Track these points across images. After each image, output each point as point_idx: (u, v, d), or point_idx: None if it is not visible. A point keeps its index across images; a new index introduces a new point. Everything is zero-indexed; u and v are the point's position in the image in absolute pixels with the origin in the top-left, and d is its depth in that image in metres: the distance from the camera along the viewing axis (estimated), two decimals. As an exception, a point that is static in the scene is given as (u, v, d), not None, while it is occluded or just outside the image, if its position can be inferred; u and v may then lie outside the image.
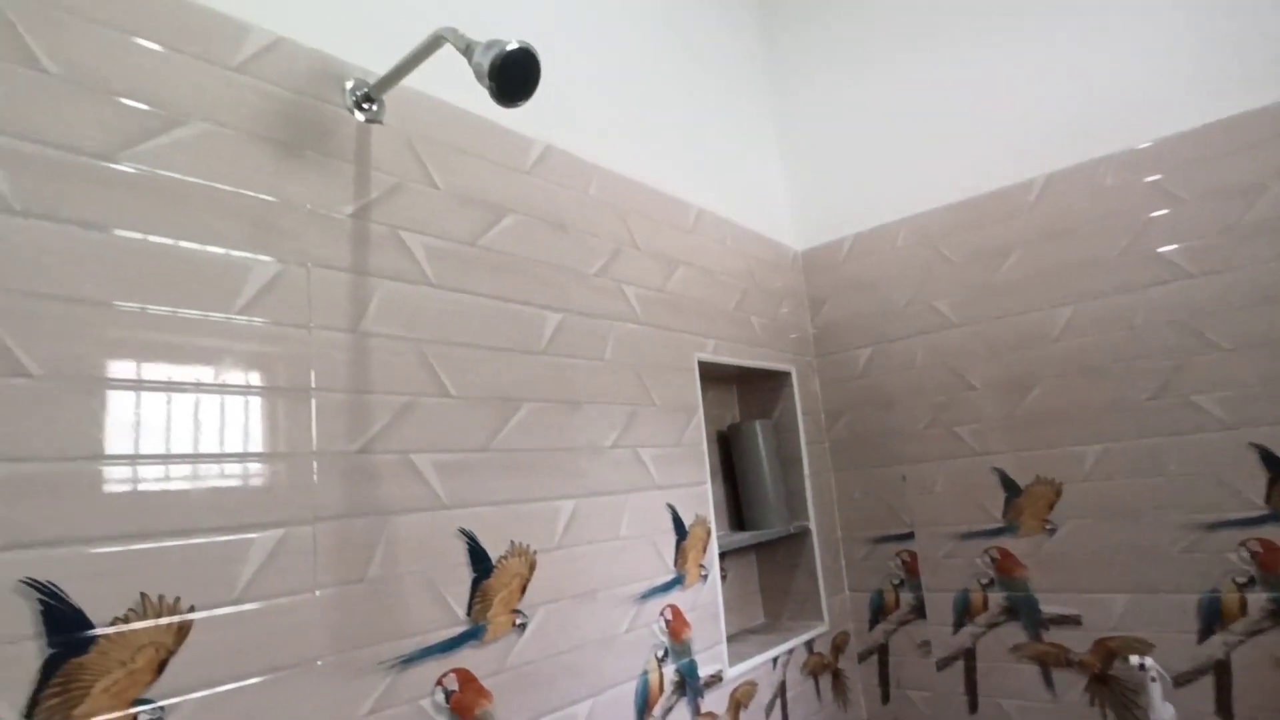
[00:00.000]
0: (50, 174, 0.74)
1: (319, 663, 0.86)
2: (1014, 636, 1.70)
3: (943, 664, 1.80)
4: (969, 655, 1.76)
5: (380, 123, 1.06)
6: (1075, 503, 1.64)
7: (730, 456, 1.88)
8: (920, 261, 1.90)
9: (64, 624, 0.69)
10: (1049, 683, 1.65)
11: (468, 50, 0.87)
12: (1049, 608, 1.66)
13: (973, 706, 1.75)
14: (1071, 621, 1.63)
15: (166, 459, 0.78)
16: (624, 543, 1.30)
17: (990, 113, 1.83)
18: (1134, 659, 1.50)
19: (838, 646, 1.87)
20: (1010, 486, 1.72)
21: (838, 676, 1.86)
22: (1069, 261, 1.68)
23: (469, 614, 1.02)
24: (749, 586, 1.91)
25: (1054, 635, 1.65)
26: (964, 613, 1.77)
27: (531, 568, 1.13)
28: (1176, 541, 1.52)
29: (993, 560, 1.73)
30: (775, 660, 1.64)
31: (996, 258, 1.78)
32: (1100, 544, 1.60)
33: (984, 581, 1.74)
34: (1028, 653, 1.68)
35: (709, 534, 1.52)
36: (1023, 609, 1.69)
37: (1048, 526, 1.67)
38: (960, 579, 1.78)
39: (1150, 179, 1.59)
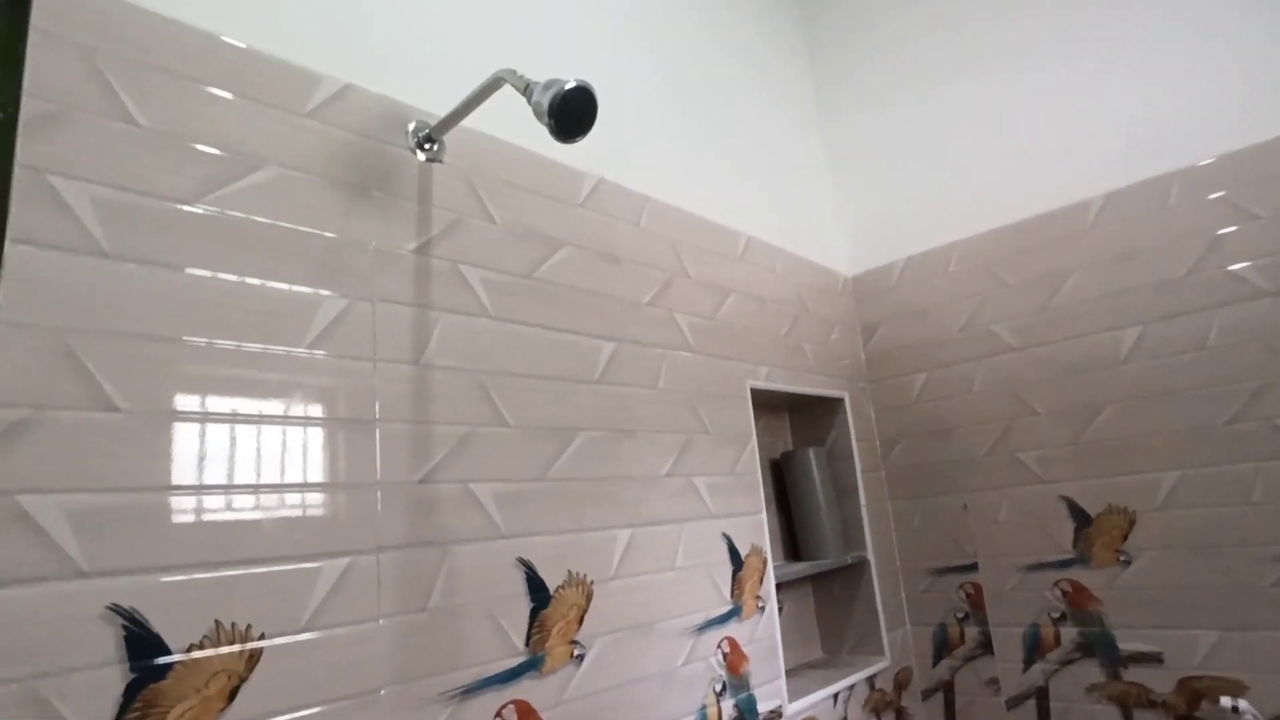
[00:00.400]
0: (137, 219, 0.79)
1: (382, 692, 0.86)
2: (1090, 675, 1.61)
3: (1013, 703, 1.71)
4: (1041, 694, 1.68)
5: (440, 162, 1.10)
6: (1151, 533, 1.56)
7: (783, 485, 1.85)
8: (975, 285, 1.86)
9: (145, 650, 0.71)
10: (1130, 725, 1.56)
11: (527, 90, 0.90)
12: (1127, 644, 1.57)
13: (1047, 749, 1.66)
14: (1152, 659, 1.54)
15: (239, 489, 0.80)
16: (680, 573, 1.29)
17: (1043, 133, 1.80)
18: (1225, 701, 1.41)
19: (900, 683, 1.81)
20: (1080, 515, 1.65)
21: (901, 715, 1.79)
22: (1133, 282, 1.62)
23: (527, 644, 1.02)
24: (806, 619, 1.86)
25: (1133, 674, 1.56)
26: (1034, 649, 1.69)
27: (589, 598, 1.12)
28: (1265, 575, 1.43)
29: (1064, 593, 1.65)
30: (836, 696, 1.59)
31: (1055, 279, 1.73)
32: (1181, 577, 1.52)
33: (1055, 615, 1.66)
34: (1106, 692, 1.59)
35: (765, 564, 1.49)
36: (1098, 645, 1.60)
37: (1122, 558, 1.59)
38: (1029, 613, 1.70)
39: (1215, 195, 1.54)
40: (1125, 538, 1.59)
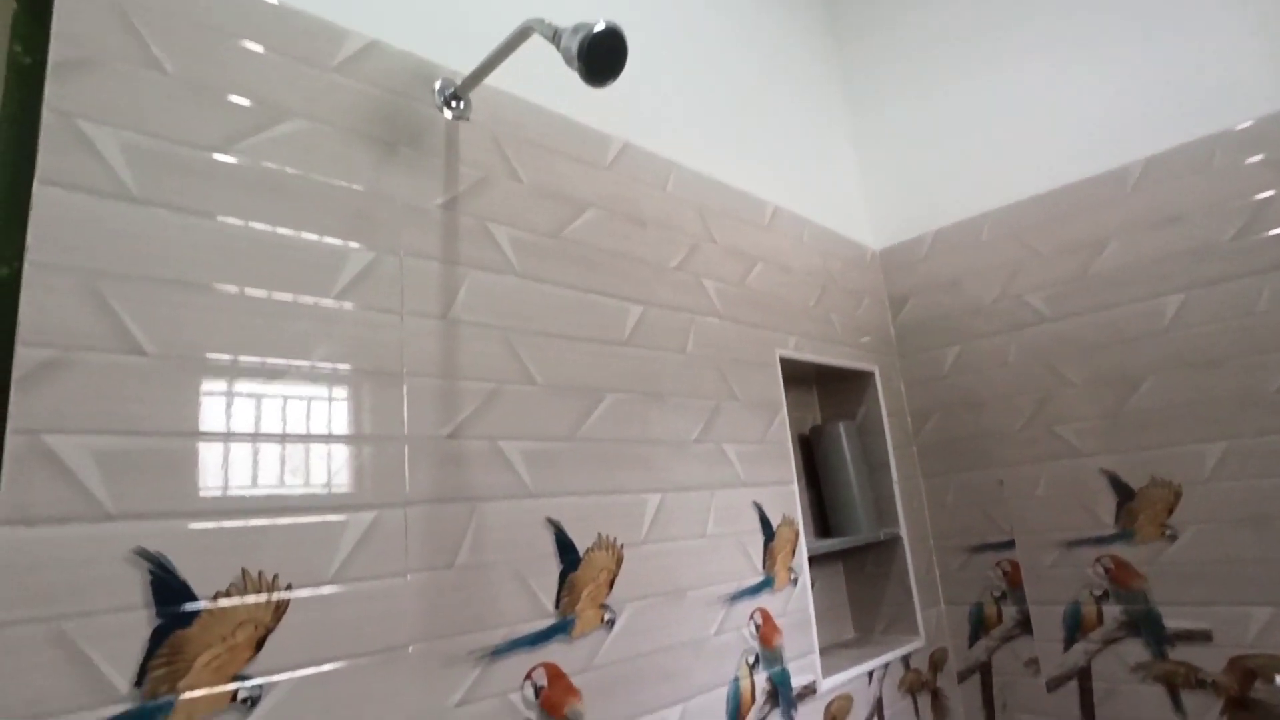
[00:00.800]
0: (166, 166, 0.78)
1: (410, 649, 0.85)
2: (1135, 654, 1.56)
3: (1054, 684, 1.66)
4: (1083, 675, 1.62)
5: (467, 119, 1.09)
6: (1198, 506, 1.50)
7: (813, 461, 1.81)
8: (1007, 255, 1.81)
9: (171, 595, 0.70)
10: (1178, 706, 1.50)
11: (555, 37, 0.88)
12: (1173, 622, 1.52)
13: (1090, 732, 1.61)
14: (1201, 637, 1.48)
15: (266, 438, 0.79)
16: (711, 540, 1.26)
17: (1079, 99, 1.75)
18: (1280, 678, 1.35)
19: (936, 664, 1.76)
20: (1122, 489, 1.60)
21: (937, 696, 1.74)
22: (1175, 248, 1.57)
23: (557, 606, 1.00)
24: (837, 598, 1.82)
25: (1181, 653, 1.50)
26: (1075, 628, 1.64)
27: (619, 562, 1.10)
28: (1321, 547, 1.37)
29: (1106, 570, 1.60)
30: (871, 675, 1.55)
31: (1092, 248, 1.68)
32: (1230, 551, 1.46)
33: (1097, 593, 1.61)
34: (1152, 672, 1.53)
35: (797, 536, 1.46)
36: (1143, 623, 1.55)
37: (1167, 532, 1.53)
38: (1070, 590, 1.65)
39: (1255, 159, 1.48)
40: (1170, 511, 1.53)
